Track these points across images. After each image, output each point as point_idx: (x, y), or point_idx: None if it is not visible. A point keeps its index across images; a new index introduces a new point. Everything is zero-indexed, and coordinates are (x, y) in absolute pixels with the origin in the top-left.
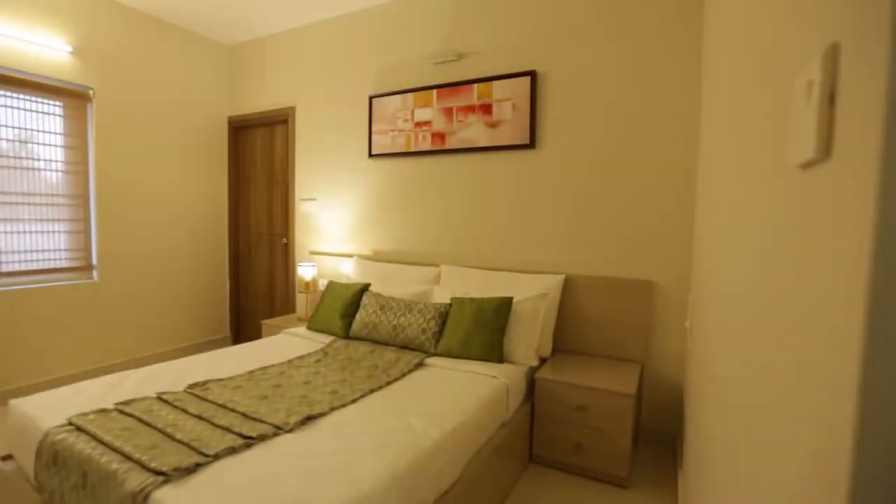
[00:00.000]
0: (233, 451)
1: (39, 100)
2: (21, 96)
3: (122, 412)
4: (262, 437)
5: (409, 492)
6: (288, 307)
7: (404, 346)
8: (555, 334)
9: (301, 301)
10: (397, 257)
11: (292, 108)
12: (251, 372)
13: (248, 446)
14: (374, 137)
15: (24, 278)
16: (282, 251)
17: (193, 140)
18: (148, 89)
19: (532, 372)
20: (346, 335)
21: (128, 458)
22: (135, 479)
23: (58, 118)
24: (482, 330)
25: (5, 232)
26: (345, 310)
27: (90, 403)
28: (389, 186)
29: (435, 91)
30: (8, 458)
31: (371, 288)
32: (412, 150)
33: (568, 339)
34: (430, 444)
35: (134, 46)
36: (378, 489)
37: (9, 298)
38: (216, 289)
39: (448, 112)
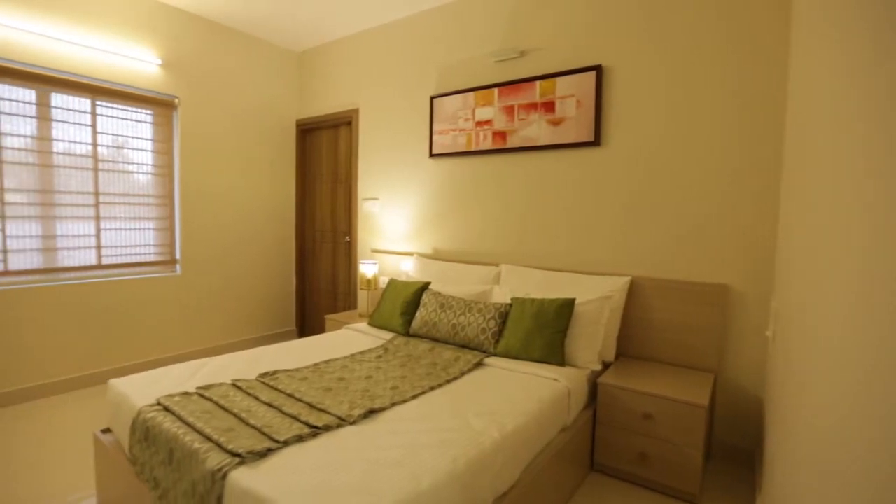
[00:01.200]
0: (300, 438)
1: (133, 109)
2: (118, 106)
3: (202, 396)
4: (327, 428)
5: (468, 491)
6: (350, 303)
7: (463, 346)
8: (619, 338)
9: (362, 298)
10: (457, 256)
11: (356, 110)
12: (316, 364)
13: (314, 435)
14: (434, 137)
15: (121, 270)
16: (344, 249)
17: (265, 143)
18: (225, 96)
19: (594, 376)
20: (406, 332)
21: (208, 438)
22: (214, 459)
23: (148, 125)
24: (543, 331)
25: (106, 229)
26: (405, 307)
27: (175, 386)
28: (450, 186)
29: (496, 89)
30: (107, 431)
31: (431, 286)
32: (473, 149)
33: (633, 344)
34: (489, 444)
35: (214, 57)
36: (438, 486)
37: (109, 288)
38: (283, 284)
39: (509, 110)
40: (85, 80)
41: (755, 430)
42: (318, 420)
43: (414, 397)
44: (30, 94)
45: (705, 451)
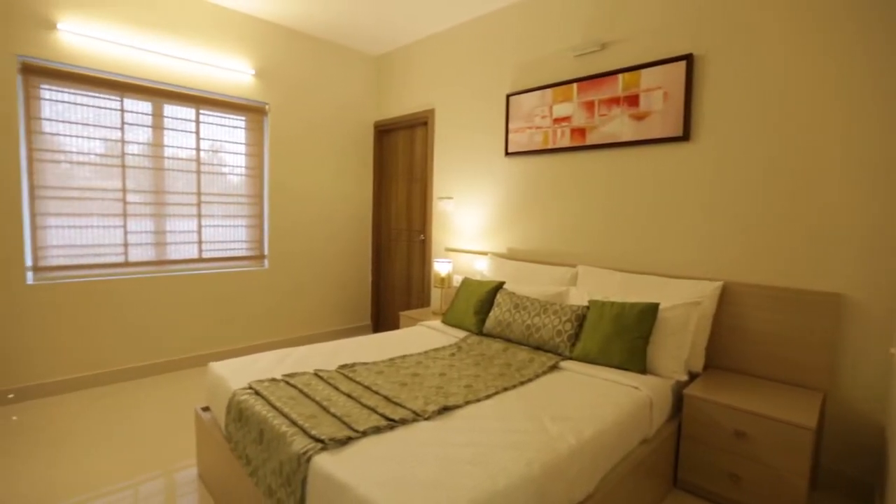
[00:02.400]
0: (378, 430)
1: (230, 116)
2: (217, 114)
3: (287, 383)
4: (403, 421)
5: (542, 496)
6: (423, 300)
7: (538, 347)
8: (708, 348)
9: (436, 295)
10: (532, 256)
11: (431, 111)
12: (392, 359)
13: (390, 428)
14: (510, 136)
15: (218, 264)
16: (419, 247)
17: (345, 145)
18: (309, 101)
19: (680, 387)
20: (480, 332)
21: (293, 423)
22: (300, 443)
23: (241, 130)
24: (623, 336)
25: (206, 226)
26: (479, 306)
27: (264, 372)
28: (525, 184)
29: (575, 85)
30: (206, 409)
31: (505, 286)
32: (550, 147)
33: (724, 355)
34: (565, 450)
35: (300, 64)
36: (512, 488)
37: (208, 280)
38: (360, 280)
39: (589, 106)
40: (191, 92)
41: (874, 460)
42: (395, 413)
43: (488, 397)
44: (147, 106)
45: (811, 478)
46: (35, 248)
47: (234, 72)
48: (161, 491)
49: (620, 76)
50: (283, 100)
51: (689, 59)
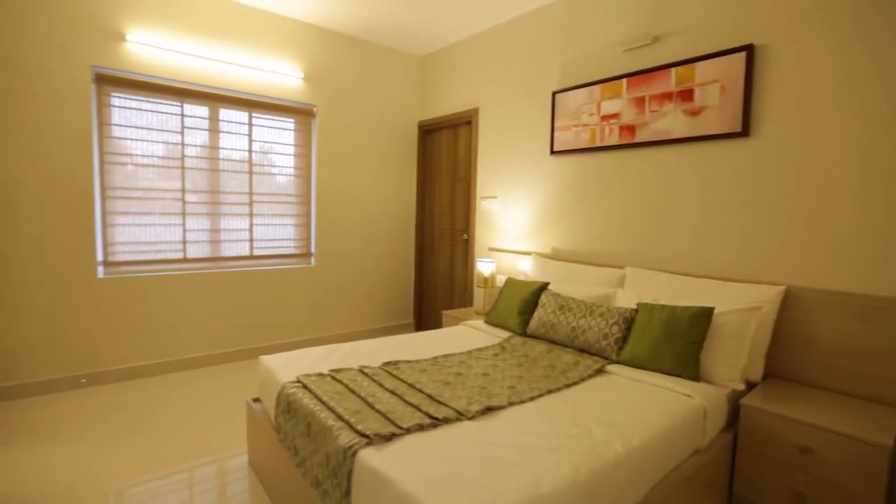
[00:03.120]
0: (421, 427)
1: (279, 118)
2: (268, 117)
3: (333, 378)
4: (447, 420)
5: (588, 502)
6: (466, 300)
7: (583, 350)
8: (768, 356)
9: (479, 295)
10: (577, 257)
11: (476, 110)
12: (435, 358)
13: (434, 426)
14: (556, 134)
15: (267, 261)
16: (462, 246)
17: (389, 145)
18: (355, 102)
19: (736, 396)
20: (524, 332)
21: (339, 417)
22: (345, 437)
23: (290, 132)
24: (674, 341)
25: (256, 224)
26: (523, 307)
27: (311, 367)
28: (571, 183)
29: (625, 80)
30: (257, 400)
31: (550, 287)
32: (597, 145)
33: (786, 365)
34: (613, 457)
35: (346, 66)
36: (558, 492)
37: (258, 276)
38: (403, 279)
39: (639, 102)
40: (244, 96)
41: None
42: (438, 412)
43: (532, 399)
44: (204, 111)
45: (886, 500)
46: (105, 245)
47: (284, 75)
48: (214, 476)
49: (673, 70)
50: (330, 101)
51: (749, 49)
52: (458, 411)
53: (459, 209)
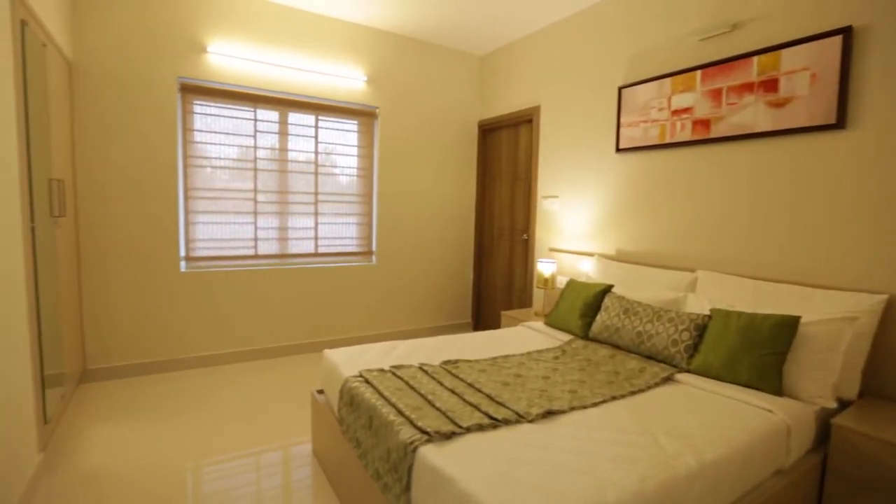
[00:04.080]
0: (481, 428)
1: (344, 120)
2: (333, 119)
3: (394, 374)
4: (506, 422)
5: None
6: (525, 301)
7: (649, 356)
8: (865, 372)
9: (538, 296)
10: (643, 259)
11: (537, 108)
12: (494, 358)
13: (493, 427)
14: (622, 130)
15: (331, 258)
16: (521, 246)
17: (449, 145)
18: (416, 103)
19: (826, 415)
20: (585, 336)
21: (400, 413)
22: (406, 433)
23: (354, 133)
24: (753, 351)
25: (321, 223)
26: (585, 310)
27: (373, 362)
28: (638, 181)
29: (699, 72)
30: (321, 392)
31: (614, 289)
32: (667, 141)
33: (888, 382)
34: (683, 471)
35: (407, 68)
36: (623, 503)
37: (323, 273)
38: (462, 279)
39: (715, 94)
40: (311, 100)
41: None
42: (498, 413)
43: (594, 405)
44: (274, 115)
45: None
46: (187, 241)
47: (348, 79)
48: (279, 462)
49: (755, 59)
50: (392, 103)
51: (846, 32)
52: (517, 413)
53: (519, 209)
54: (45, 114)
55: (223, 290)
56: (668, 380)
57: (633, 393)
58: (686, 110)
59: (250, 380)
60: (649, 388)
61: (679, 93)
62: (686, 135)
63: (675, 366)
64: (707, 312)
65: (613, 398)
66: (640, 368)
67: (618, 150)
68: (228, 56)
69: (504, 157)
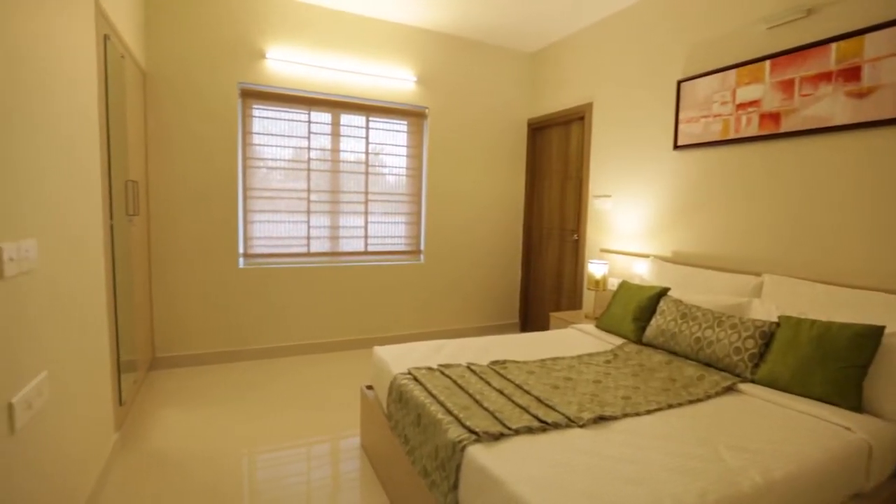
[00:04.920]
0: (530, 430)
1: (394, 121)
2: (383, 120)
3: (442, 373)
4: (556, 425)
5: None
6: (575, 302)
7: (708, 364)
8: None
9: (589, 298)
10: (702, 261)
11: (589, 105)
12: (543, 360)
13: (543, 430)
14: (680, 126)
15: (380, 257)
16: (571, 247)
17: (498, 144)
18: (465, 103)
19: None
20: (639, 340)
21: (448, 412)
22: (454, 432)
23: (403, 134)
24: (828, 363)
25: (370, 222)
26: (638, 313)
27: (421, 360)
28: (698, 180)
29: (768, 62)
30: (370, 387)
31: (670, 293)
32: (731, 137)
33: None
34: (748, 488)
35: (456, 68)
36: None
37: (372, 271)
38: (510, 278)
39: (787, 85)
40: (362, 101)
41: None
42: (547, 416)
43: (649, 412)
44: (327, 117)
45: None
46: (245, 239)
47: (398, 80)
48: (328, 453)
49: (833, 45)
50: (441, 103)
51: None
52: (568, 417)
53: (569, 208)
54: (122, 120)
55: (278, 286)
56: (729, 390)
57: (691, 402)
58: (753, 103)
59: (302, 373)
60: (709, 397)
61: (745, 85)
62: (752, 129)
63: (737, 375)
64: (775, 319)
65: (670, 406)
66: (698, 376)
67: (675, 146)
68: (285, 61)
69: (554, 155)
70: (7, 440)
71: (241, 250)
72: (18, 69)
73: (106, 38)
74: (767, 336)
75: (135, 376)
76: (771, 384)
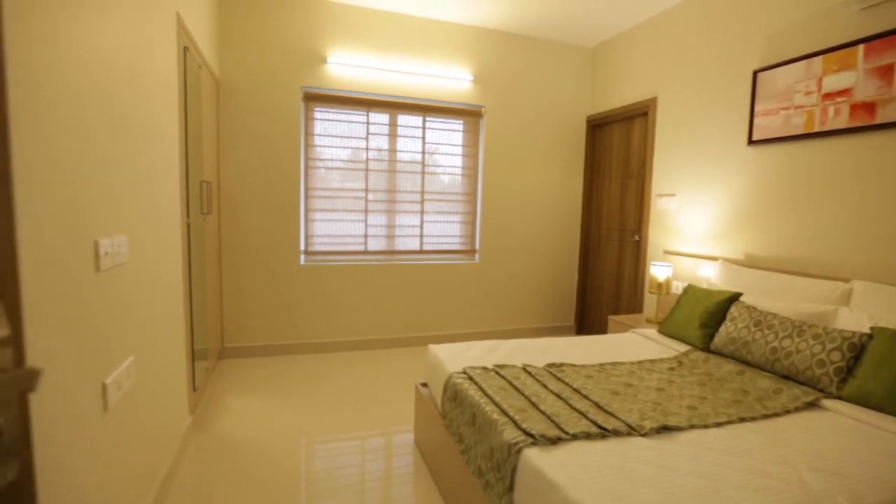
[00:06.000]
0: (588, 436)
1: (450, 121)
2: (439, 120)
3: (497, 373)
4: (616, 432)
5: None
6: (634, 306)
7: (786, 377)
8: None
9: (651, 301)
10: (780, 265)
11: (653, 100)
12: (601, 364)
13: (602, 436)
14: (756, 120)
15: (435, 256)
16: (632, 248)
17: (556, 142)
18: (522, 100)
19: None
20: (706, 348)
21: (504, 413)
22: (510, 433)
23: (459, 133)
24: None
25: (426, 221)
26: (706, 319)
27: (476, 360)
28: (775, 177)
29: (861, 46)
30: (424, 385)
31: (742, 298)
32: (816, 130)
33: None
34: None
35: (513, 65)
36: None
37: (427, 270)
38: (566, 279)
39: (884, 72)
40: (420, 102)
41: None
42: (606, 422)
43: (718, 425)
44: (385, 118)
45: None
46: (306, 237)
47: (455, 80)
48: (382, 448)
49: None
50: (497, 101)
51: None
52: (629, 425)
53: (630, 208)
54: (198, 125)
55: (336, 283)
56: (812, 405)
57: (766, 416)
58: (842, 93)
59: (357, 368)
60: (787, 412)
61: (833, 73)
62: (841, 121)
63: (820, 390)
64: (866, 331)
65: (742, 420)
66: (774, 389)
67: (750, 142)
68: (345, 65)
69: (615, 153)
70: (101, 417)
71: (302, 247)
72: (112, 81)
73: (186, 50)
74: (857, 349)
75: (206, 364)
76: (861, 402)
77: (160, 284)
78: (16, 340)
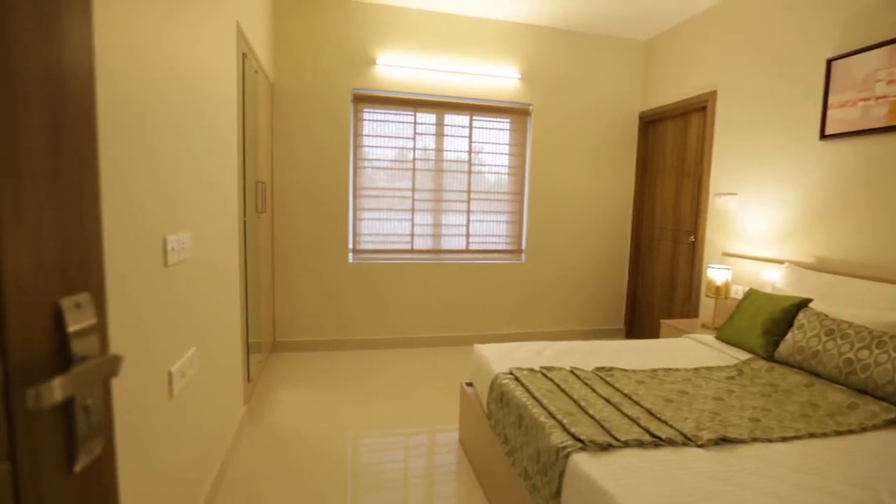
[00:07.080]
0: (640, 444)
1: (497, 119)
2: (486, 118)
3: (544, 375)
4: (670, 442)
5: None
6: (689, 310)
7: (863, 391)
8: None
9: (707, 306)
10: (855, 269)
11: (712, 93)
12: (654, 370)
13: (655, 445)
14: (830, 112)
15: (481, 255)
16: (687, 249)
17: (606, 140)
18: (571, 97)
19: None
20: (769, 357)
21: (552, 416)
22: (558, 437)
23: (506, 132)
24: None
25: (472, 221)
26: (769, 326)
27: (523, 361)
28: (851, 174)
29: None
30: (470, 384)
31: (811, 305)
32: None
33: None
34: None
35: (562, 62)
36: None
37: (473, 269)
38: (615, 281)
39: None
40: (466, 101)
41: None
42: (660, 430)
43: (784, 439)
44: (432, 118)
45: None
46: (355, 235)
47: (502, 78)
48: (426, 445)
49: None
50: (545, 99)
51: None
52: (684, 434)
53: (685, 207)
54: (255, 127)
55: (383, 281)
56: (892, 423)
57: (839, 433)
58: None
59: (402, 365)
60: (864, 430)
61: None
62: None
63: None
64: None
65: (811, 436)
66: (849, 404)
67: (822, 136)
68: (393, 66)
69: (669, 150)
70: (167, 403)
71: (350, 245)
72: (180, 87)
73: (244, 56)
74: None
75: (260, 357)
76: None
77: (219, 279)
78: (101, 329)
